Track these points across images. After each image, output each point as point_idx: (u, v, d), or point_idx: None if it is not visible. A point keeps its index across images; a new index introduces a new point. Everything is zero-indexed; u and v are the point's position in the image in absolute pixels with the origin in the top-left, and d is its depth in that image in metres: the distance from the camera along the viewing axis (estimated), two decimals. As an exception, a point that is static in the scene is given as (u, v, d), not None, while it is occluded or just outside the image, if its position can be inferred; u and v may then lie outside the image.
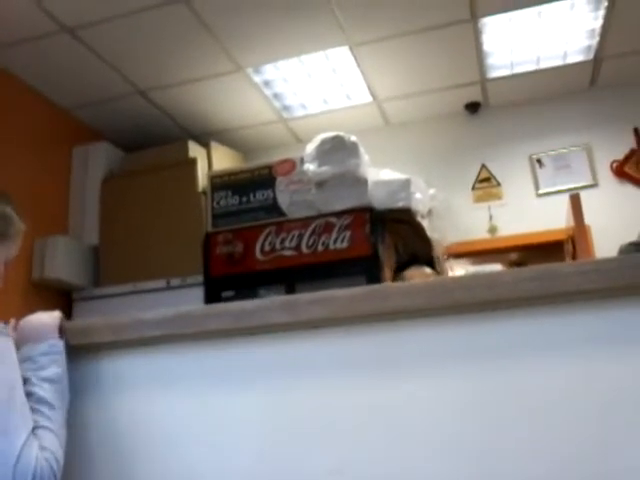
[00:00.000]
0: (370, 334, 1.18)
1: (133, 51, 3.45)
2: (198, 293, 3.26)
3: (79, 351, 1.33)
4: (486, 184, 4.07)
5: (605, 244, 3.40)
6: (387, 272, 3.00)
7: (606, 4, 3.28)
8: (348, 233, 3.02)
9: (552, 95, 4.03)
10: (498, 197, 4.02)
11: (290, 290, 3.03)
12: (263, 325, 1.22)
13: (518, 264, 4.35)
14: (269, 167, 3.30)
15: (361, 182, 3.04)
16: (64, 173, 3.89)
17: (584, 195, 3.42)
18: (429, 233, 3.27)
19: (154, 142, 4.05)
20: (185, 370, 1.29)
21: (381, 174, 3.16)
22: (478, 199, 4.05)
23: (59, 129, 3.89)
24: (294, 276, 3.07)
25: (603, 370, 1.07)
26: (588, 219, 3.30)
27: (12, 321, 1.30)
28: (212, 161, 3.89)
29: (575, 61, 3.76)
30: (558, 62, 3.77)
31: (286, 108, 4.10)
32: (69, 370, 1.29)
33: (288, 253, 3.11)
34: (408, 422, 1.13)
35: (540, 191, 3.96)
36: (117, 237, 3.68)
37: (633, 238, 1.48)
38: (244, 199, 3.30)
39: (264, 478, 1.19)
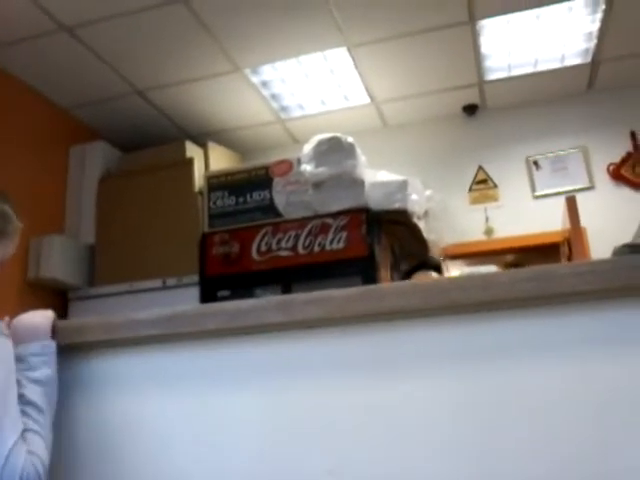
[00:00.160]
0: (366, 334, 1.18)
1: (131, 51, 3.45)
2: (194, 293, 3.26)
3: (73, 350, 1.33)
4: (483, 186, 4.07)
5: (601, 246, 3.39)
6: (383, 273, 3.01)
7: (604, 7, 3.29)
8: (344, 234, 3.02)
9: (549, 97, 4.04)
10: (494, 199, 4.03)
11: (286, 290, 3.03)
12: (258, 325, 1.22)
13: (514, 266, 4.35)
14: (266, 168, 3.30)
15: (358, 183, 3.04)
16: (61, 172, 3.88)
17: (580, 197, 3.43)
18: (425, 234, 3.28)
19: (151, 142, 4.05)
20: (180, 370, 1.28)
21: (378, 175, 3.16)
22: (475, 201, 4.05)
23: (57, 128, 3.89)
24: (290, 276, 3.07)
25: (599, 371, 1.07)
26: (584, 221, 3.31)
27: (6, 319, 1.29)
28: (209, 161, 3.88)
29: (573, 64, 3.77)
30: (556, 65, 3.78)
31: (284, 109, 4.09)
32: (62, 369, 1.29)
33: (284, 253, 3.11)
34: (405, 422, 1.13)
35: (537, 193, 3.96)
36: (113, 237, 3.67)
37: (628, 240, 1.48)
38: (241, 199, 3.30)
39: (260, 479, 1.19)
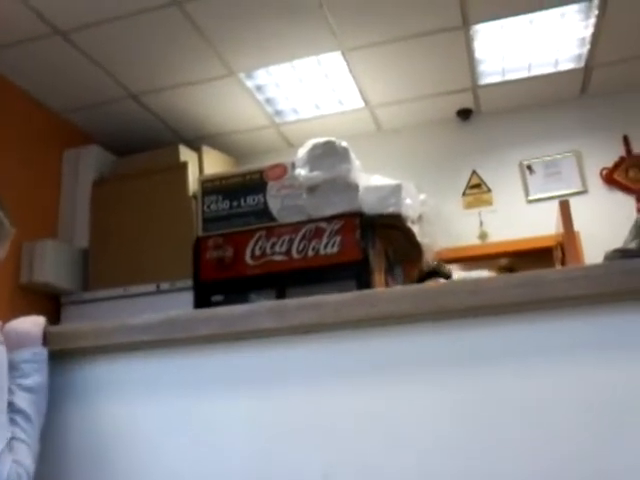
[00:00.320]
0: (359, 339, 1.18)
1: (125, 55, 3.45)
2: (188, 297, 3.25)
3: (65, 356, 1.32)
4: (477, 190, 4.08)
5: (594, 250, 3.41)
6: (377, 277, 3.01)
7: (596, 12, 3.30)
8: (338, 238, 3.02)
9: (543, 102, 4.05)
10: (488, 203, 4.04)
11: (280, 295, 3.02)
12: (251, 330, 1.22)
13: (508, 270, 4.36)
14: (260, 172, 3.30)
15: (352, 187, 3.05)
16: (55, 176, 3.87)
17: (574, 202, 3.44)
18: (419, 238, 3.28)
19: (145, 146, 4.04)
20: (172, 375, 1.28)
21: (372, 179, 3.17)
22: (469, 205, 4.06)
23: (50, 132, 3.88)
24: (284, 281, 3.07)
25: (592, 376, 1.07)
26: (577, 225, 3.32)
27: None
28: (203, 165, 3.88)
29: (566, 69, 3.78)
30: (549, 69, 3.79)
31: (278, 113, 4.10)
32: (55, 375, 1.29)
33: (278, 258, 3.11)
34: (399, 426, 1.13)
35: (530, 197, 3.98)
36: (107, 241, 3.66)
37: (620, 245, 1.49)
38: (235, 203, 3.30)
39: (251, 484, 1.18)
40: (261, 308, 1.23)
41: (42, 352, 1.26)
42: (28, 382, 1.20)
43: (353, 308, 1.16)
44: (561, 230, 3.35)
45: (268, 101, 3.97)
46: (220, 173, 3.58)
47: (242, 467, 1.19)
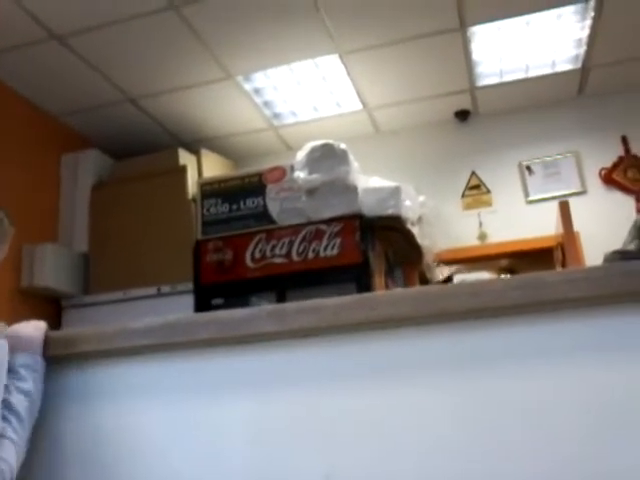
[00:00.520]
0: (358, 343, 1.18)
1: (123, 58, 3.45)
2: (188, 300, 3.26)
3: (66, 360, 1.33)
4: (476, 191, 4.09)
5: (594, 251, 3.41)
6: (377, 279, 3.01)
7: (592, 14, 3.31)
8: (338, 240, 3.02)
9: (541, 103, 4.06)
10: (488, 204, 4.04)
11: (281, 297, 3.02)
12: (251, 334, 1.22)
13: (508, 271, 4.37)
14: (259, 174, 3.31)
15: (351, 190, 3.05)
16: (54, 180, 3.87)
17: (573, 202, 3.44)
18: (419, 240, 3.28)
19: (144, 149, 4.05)
20: (173, 379, 1.28)
21: (371, 181, 3.17)
22: (468, 206, 4.06)
23: (49, 136, 3.88)
24: (284, 283, 3.07)
25: (592, 378, 1.07)
26: (577, 226, 3.32)
27: (1, 323, 1.29)
28: (202, 168, 3.88)
29: (563, 70, 3.79)
30: (546, 70, 3.80)
31: (276, 116, 4.10)
32: (56, 379, 1.29)
33: (278, 260, 3.11)
34: (398, 429, 1.13)
35: (530, 198, 3.98)
36: (107, 244, 3.67)
37: (619, 246, 1.49)
38: (234, 206, 3.30)
39: (253, 488, 1.18)
40: (261, 312, 1.23)
41: (41, 361, 1.27)
42: (26, 386, 1.20)
43: (353, 311, 1.17)
44: (561, 230, 3.35)
45: (266, 104, 3.98)
46: (219, 176, 3.58)
47: (242, 470, 1.19)
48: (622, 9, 3.26)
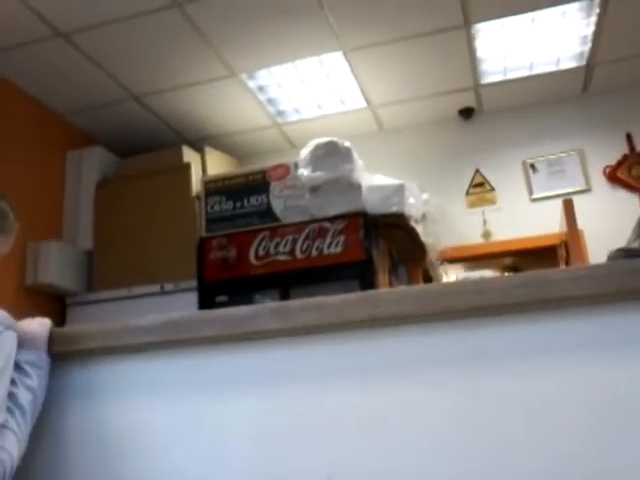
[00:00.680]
0: (362, 340, 1.18)
1: (127, 56, 3.45)
2: (192, 298, 3.26)
3: (71, 357, 1.33)
4: (480, 189, 4.08)
5: (598, 249, 3.40)
6: (381, 277, 3.01)
7: (597, 11, 3.30)
8: (342, 238, 3.02)
9: (545, 101, 4.05)
10: (492, 202, 4.03)
11: (284, 295, 3.02)
12: (255, 331, 1.22)
13: (512, 269, 4.36)
14: (263, 172, 3.30)
15: (355, 187, 3.05)
16: (58, 178, 3.88)
17: (577, 200, 3.44)
18: (423, 238, 3.28)
19: (148, 147, 4.05)
20: (177, 376, 1.28)
21: (375, 179, 3.16)
22: (472, 204, 4.06)
23: (53, 134, 3.89)
24: (288, 281, 3.07)
25: (595, 375, 1.07)
26: (581, 224, 3.32)
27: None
28: (206, 166, 3.89)
29: (568, 67, 3.78)
30: (551, 68, 3.79)
31: (280, 113, 4.10)
32: (60, 376, 1.30)
33: (282, 258, 3.11)
34: (401, 426, 1.13)
35: (534, 196, 3.97)
36: (111, 242, 3.67)
37: (623, 243, 1.49)
38: (238, 204, 3.30)
39: (256, 484, 1.19)
40: (264, 309, 1.24)
41: (46, 358, 1.27)
42: (30, 382, 1.21)
43: (356, 309, 1.17)
44: (565, 228, 3.34)
45: (270, 101, 3.98)
46: (223, 174, 3.58)
47: (246, 467, 1.19)
48: (627, 6, 3.25)
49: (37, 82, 3.60)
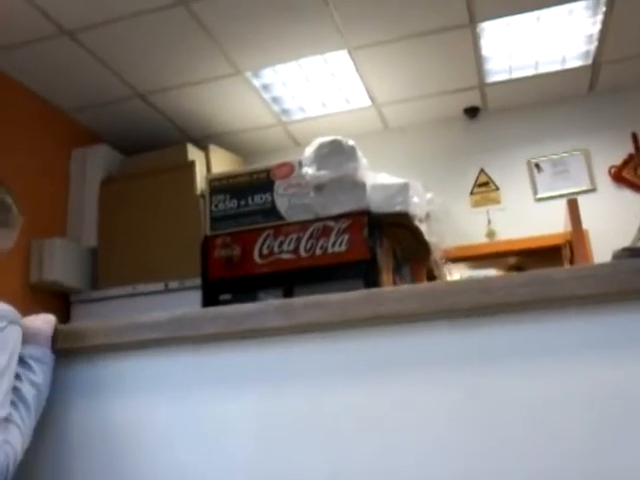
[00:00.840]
0: (365, 338, 1.18)
1: (132, 54, 3.46)
2: (196, 296, 3.26)
3: (75, 354, 1.34)
4: (484, 188, 4.07)
5: (603, 249, 3.39)
6: (385, 276, 3.01)
7: (604, 9, 3.29)
8: (346, 237, 3.02)
9: (550, 100, 4.04)
10: (496, 201, 4.02)
11: (288, 293, 3.03)
12: (258, 329, 1.22)
13: (516, 268, 4.35)
14: (267, 170, 3.31)
15: (359, 186, 3.05)
16: (63, 176, 3.89)
17: (582, 200, 3.43)
18: (427, 237, 3.28)
19: (153, 145, 4.05)
20: (181, 373, 1.29)
21: (379, 178, 3.16)
22: (476, 203, 4.05)
23: (58, 132, 3.89)
24: (292, 279, 3.07)
25: (598, 375, 1.07)
26: (586, 224, 3.31)
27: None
28: (211, 164, 3.89)
29: (573, 66, 3.76)
30: (556, 67, 3.77)
31: (285, 112, 4.10)
32: (65, 372, 1.30)
33: (286, 256, 3.11)
34: (405, 425, 1.13)
35: (538, 196, 3.96)
36: (115, 240, 3.68)
37: (628, 243, 1.48)
38: (242, 202, 3.31)
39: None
40: (268, 307, 1.24)
41: (50, 355, 1.28)
42: (34, 378, 1.22)
43: (360, 307, 1.17)
44: (569, 228, 3.34)
45: (275, 100, 3.98)
46: (227, 172, 3.59)
47: (247, 463, 1.20)
48: (634, 4, 3.23)
49: (42, 80, 3.61)
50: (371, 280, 2.88)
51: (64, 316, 3.51)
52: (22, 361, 1.22)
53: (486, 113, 4.18)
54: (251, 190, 3.31)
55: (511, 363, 1.11)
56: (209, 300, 3.18)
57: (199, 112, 4.03)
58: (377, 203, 3.03)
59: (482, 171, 4.09)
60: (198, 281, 3.30)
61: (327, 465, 1.15)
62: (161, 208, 3.65)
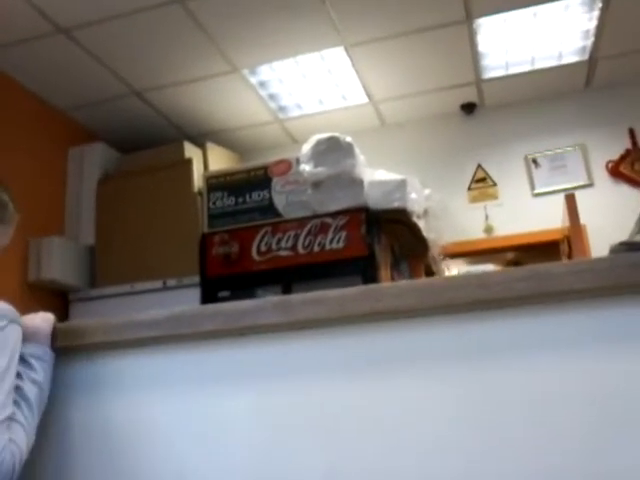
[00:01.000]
0: (363, 334, 1.19)
1: (128, 52, 3.45)
2: (195, 294, 3.26)
3: (74, 352, 1.34)
4: (482, 184, 4.08)
5: (601, 244, 3.39)
6: (383, 272, 3.01)
7: (600, 5, 3.29)
8: (344, 233, 3.02)
9: (547, 95, 4.04)
10: (494, 197, 4.03)
11: (286, 290, 3.03)
12: (256, 325, 1.23)
13: (514, 264, 4.36)
14: (265, 168, 3.30)
15: (357, 183, 3.04)
16: (60, 174, 3.88)
17: (580, 195, 3.43)
18: (425, 233, 3.28)
19: (150, 143, 4.05)
20: (180, 370, 1.29)
21: (376, 174, 3.16)
22: (474, 199, 4.05)
23: (55, 130, 3.89)
24: (290, 276, 3.07)
25: (597, 369, 1.07)
26: (584, 219, 3.31)
27: None
28: (208, 162, 3.88)
29: (570, 62, 3.77)
30: (553, 63, 3.78)
31: (282, 109, 4.10)
32: (64, 370, 1.30)
33: (284, 253, 3.11)
34: (404, 421, 1.13)
35: (536, 191, 3.97)
36: (113, 238, 3.68)
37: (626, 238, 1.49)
38: (240, 200, 3.30)
39: (259, 477, 1.19)
40: (266, 303, 1.24)
41: (51, 353, 1.28)
42: (36, 376, 1.22)
43: (358, 303, 1.17)
44: (567, 223, 3.34)
45: (272, 97, 3.97)
46: (225, 169, 3.58)
47: (245, 461, 1.20)
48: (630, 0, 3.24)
49: (38, 78, 3.60)
50: (369, 276, 2.88)
51: (62, 315, 3.51)
52: (23, 360, 1.22)
53: (483, 109, 4.18)
54: (248, 187, 3.30)
55: (510, 358, 1.11)
56: (207, 297, 3.18)
57: (196, 110, 4.02)
58: (375, 199, 3.03)
59: (479, 167, 4.09)
60: (196, 279, 3.30)
61: (325, 461, 1.15)
62: (158, 206, 3.64)
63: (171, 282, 3.47)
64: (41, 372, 1.23)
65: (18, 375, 1.19)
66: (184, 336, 1.27)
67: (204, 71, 3.66)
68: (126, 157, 4.03)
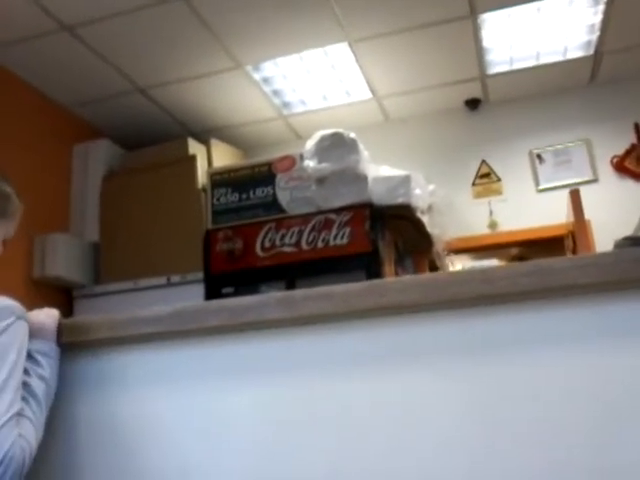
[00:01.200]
0: (367, 330, 1.19)
1: (132, 49, 3.45)
2: (199, 290, 3.27)
3: (78, 348, 1.34)
4: (486, 180, 4.07)
5: (605, 239, 3.38)
6: (387, 268, 3.01)
7: (605, -1, 3.28)
8: (348, 229, 3.02)
9: (552, 91, 4.02)
10: (498, 192, 4.02)
11: (290, 286, 3.03)
12: (260, 321, 1.23)
13: (519, 259, 4.35)
14: (269, 164, 3.31)
15: (361, 178, 3.04)
16: (65, 171, 3.89)
17: (584, 190, 3.42)
18: (429, 229, 3.28)
19: (154, 139, 4.05)
20: (184, 366, 1.29)
21: (381, 170, 3.16)
22: (478, 195, 4.05)
23: (59, 127, 3.89)
24: (294, 272, 3.08)
25: (601, 364, 1.07)
26: (588, 214, 3.30)
27: None
28: (212, 158, 3.89)
29: (575, 56, 3.75)
30: (558, 58, 3.76)
31: (285, 105, 4.09)
32: (68, 366, 1.30)
33: (288, 249, 3.11)
34: (409, 417, 1.13)
35: (540, 186, 3.96)
36: (118, 234, 3.68)
37: (630, 232, 1.48)
38: (244, 196, 3.31)
39: (262, 472, 1.19)
40: (270, 299, 1.24)
41: (57, 349, 1.28)
42: (42, 372, 1.23)
43: (362, 298, 1.17)
44: (572, 219, 3.33)
45: (275, 93, 3.97)
46: (229, 166, 3.58)
47: (249, 456, 1.20)
48: (635, -6, 3.22)
49: (43, 75, 3.61)
50: (373, 272, 2.88)
51: (67, 311, 3.52)
52: (29, 356, 1.23)
53: (487, 104, 4.17)
54: (252, 183, 3.30)
55: (514, 353, 1.11)
56: (211, 294, 3.19)
57: (200, 106, 4.03)
58: (379, 195, 3.02)
59: (484, 162, 4.09)
60: (200, 275, 3.30)
61: (329, 456, 1.15)
62: (163, 202, 3.65)
63: (175, 278, 3.48)
64: (48, 368, 1.24)
65: (25, 371, 1.20)
66: (188, 332, 1.27)
67: (208, 67, 3.66)
68: (130, 154, 4.04)
